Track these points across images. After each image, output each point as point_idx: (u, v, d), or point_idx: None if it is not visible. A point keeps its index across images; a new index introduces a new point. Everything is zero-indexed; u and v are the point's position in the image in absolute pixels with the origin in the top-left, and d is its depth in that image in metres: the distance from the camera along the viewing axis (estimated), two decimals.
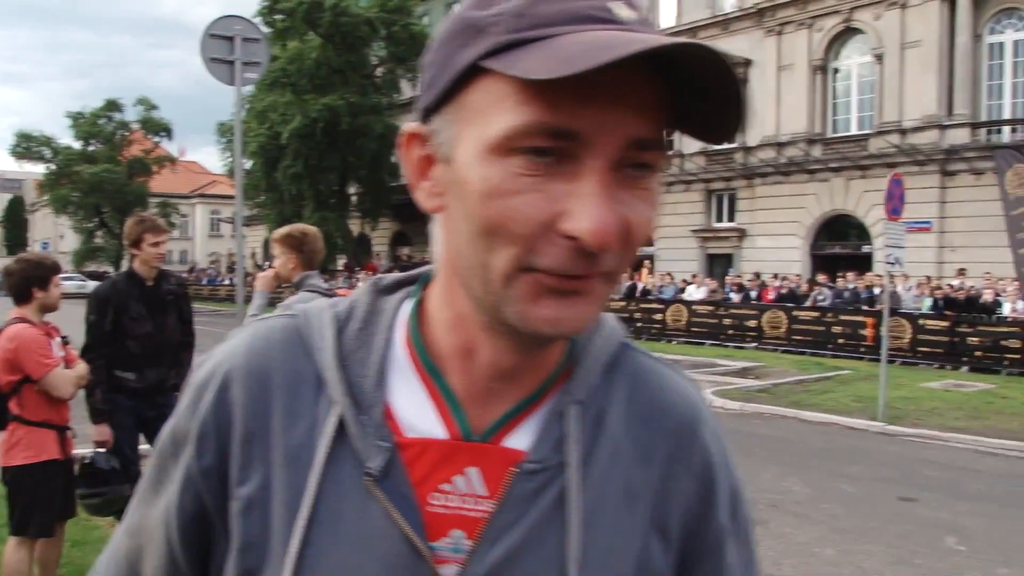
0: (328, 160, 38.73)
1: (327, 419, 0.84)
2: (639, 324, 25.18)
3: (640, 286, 27.02)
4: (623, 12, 0.74)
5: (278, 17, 38.59)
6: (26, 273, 4.53)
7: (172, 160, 61.28)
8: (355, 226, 44.69)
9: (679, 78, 0.73)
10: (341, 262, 41.53)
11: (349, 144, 38.62)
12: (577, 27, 0.71)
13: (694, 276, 27.26)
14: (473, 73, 0.75)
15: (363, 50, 40.28)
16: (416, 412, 0.85)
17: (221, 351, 0.92)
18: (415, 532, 0.81)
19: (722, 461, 0.96)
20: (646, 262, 32.05)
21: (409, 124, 0.83)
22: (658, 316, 24.95)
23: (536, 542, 0.83)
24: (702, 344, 22.98)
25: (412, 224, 45.71)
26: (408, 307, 0.91)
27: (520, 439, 0.86)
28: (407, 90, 45.18)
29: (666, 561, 0.90)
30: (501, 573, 0.82)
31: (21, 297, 4.57)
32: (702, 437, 0.94)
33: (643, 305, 25.62)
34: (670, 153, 32.27)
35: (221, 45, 10.08)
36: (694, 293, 25.02)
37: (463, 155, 0.76)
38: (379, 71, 42.71)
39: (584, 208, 0.71)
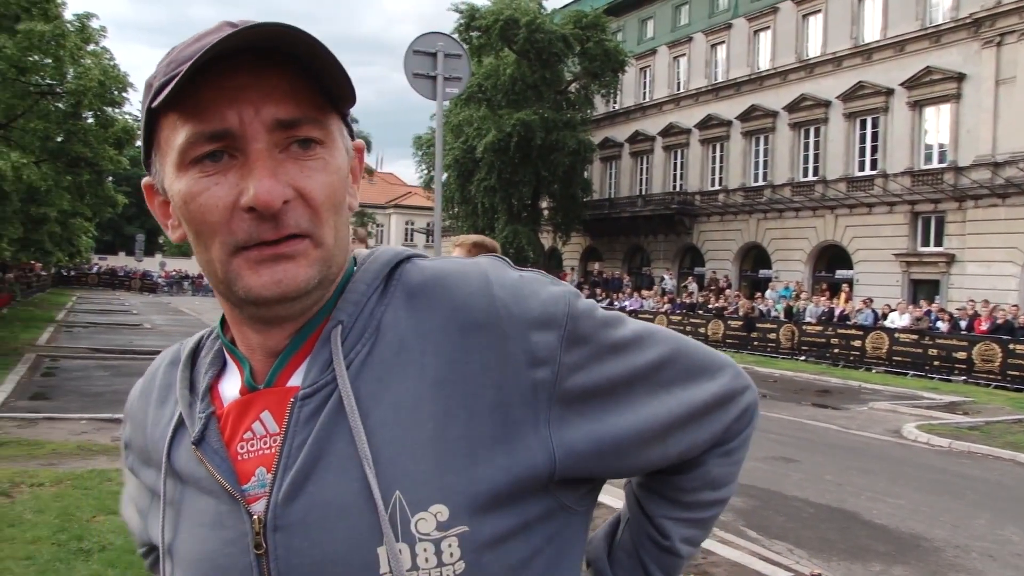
0: (521, 174, 39.31)
1: (177, 412, 1.02)
2: (836, 350, 24.11)
3: (838, 311, 25.85)
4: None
5: (474, 34, 39.52)
6: None
7: (370, 171, 63.94)
8: (546, 240, 45.14)
9: (297, 62, 0.88)
10: None
11: (542, 159, 39.05)
12: (207, 55, 0.85)
13: (899, 303, 25.76)
14: (155, 119, 0.92)
15: (557, 66, 40.64)
16: (231, 388, 1.00)
17: (141, 380, 1.15)
18: (227, 480, 0.94)
19: (533, 314, 0.94)
20: (844, 286, 30.66)
21: (144, 179, 1.00)
22: (856, 343, 23.79)
23: (327, 454, 0.90)
24: (904, 375, 21.73)
25: (603, 240, 45.75)
26: None
27: (299, 376, 0.95)
28: (601, 106, 45.30)
29: (538, 438, 0.92)
30: (301, 491, 0.90)
31: None
32: (493, 301, 0.94)
33: (841, 331, 24.51)
34: (874, 173, 30.76)
35: (424, 61, 10.39)
36: (897, 320, 23.67)
37: (167, 182, 0.93)
38: (573, 87, 43.00)
39: (251, 182, 0.87)
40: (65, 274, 61.60)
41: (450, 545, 0.87)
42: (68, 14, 20.73)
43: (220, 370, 1.03)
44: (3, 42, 16.70)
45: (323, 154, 0.91)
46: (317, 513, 0.89)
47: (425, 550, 0.87)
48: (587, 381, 0.95)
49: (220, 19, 0.93)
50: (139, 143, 0.98)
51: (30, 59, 19.00)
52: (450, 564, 0.88)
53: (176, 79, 0.86)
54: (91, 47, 21.54)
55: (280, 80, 0.88)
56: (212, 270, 0.92)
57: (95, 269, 66.41)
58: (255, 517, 0.91)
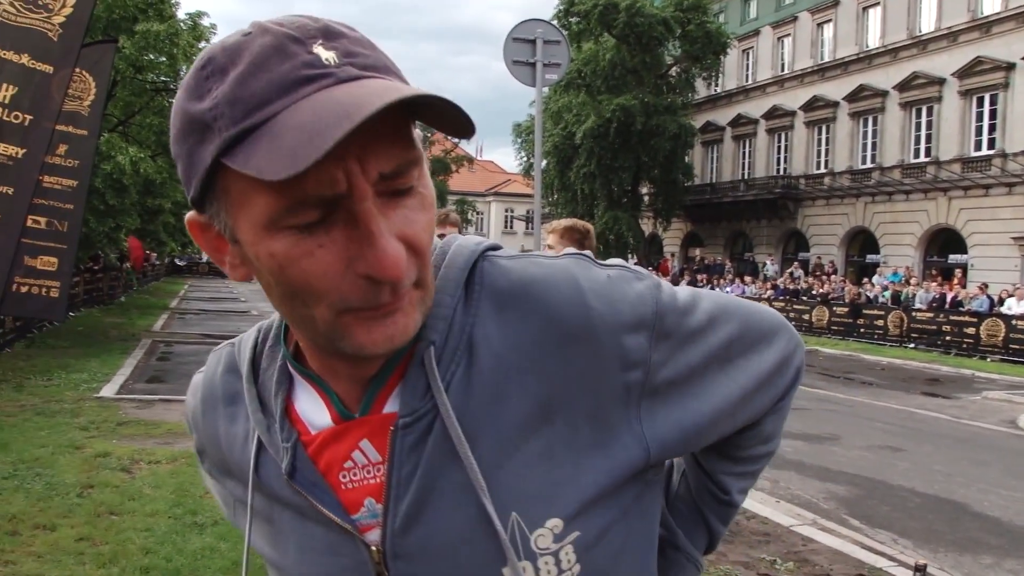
0: (621, 160, 39.06)
1: (254, 434, 0.97)
2: (948, 338, 23.28)
3: (950, 296, 24.92)
4: (325, 54, 0.77)
5: (573, 20, 39.36)
6: None
7: (470, 160, 64.39)
8: (647, 226, 44.80)
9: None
10: (632, 262, 41.74)
11: (643, 144, 38.70)
12: (291, 97, 0.74)
13: (1017, 288, 24.68)
14: (219, 165, 0.77)
15: (657, 50, 40.18)
16: (313, 410, 0.94)
17: (196, 383, 1.10)
18: (335, 513, 0.92)
19: (625, 318, 0.92)
20: (957, 271, 29.52)
21: (189, 215, 0.87)
22: (970, 330, 22.91)
23: (439, 484, 0.88)
24: (1022, 364, 20.81)
25: (704, 225, 45.12)
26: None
27: (396, 401, 0.91)
28: (702, 89, 44.62)
29: (632, 435, 0.92)
30: (417, 521, 0.89)
31: None
32: (588, 311, 0.91)
33: (953, 317, 23.65)
34: (991, 153, 29.54)
35: (523, 48, 10.45)
36: (1015, 307, 22.67)
37: (245, 236, 0.80)
38: (673, 71, 42.46)
39: (369, 250, 0.77)
40: (178, 263, 64.02)
41: (567, 553, 0.90)
42: (181, 13, 21.56)
43: (289, 388, 0.97)
44: (123, 43, 17.44)
45: (420, 189, 0.83)
46: (437, 541, 0.89)
47: (546, 563, 0.89)
48: (672, 373, 0.95)
49: (310, 14, 0.82)
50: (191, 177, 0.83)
51: (146, 58, 19.82)
52: (568, 569, 0.90)
53: (262, 134, 0.74)
54: (202, 44, 22.32)
55: (384, 127, 0.76)
56: (311, 326, 0.84)
57: (205, 259, 68.76)
58: (373, 548, 0.91)
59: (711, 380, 0.98)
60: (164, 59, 20.37)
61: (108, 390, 11.76)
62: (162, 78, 21.49)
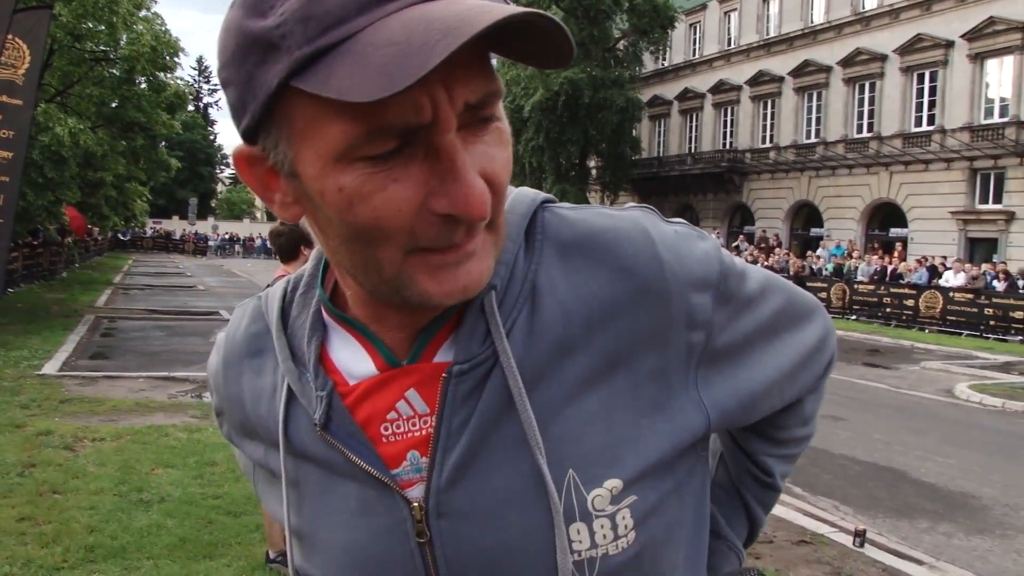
0: (569, 133, 39.13)
1: (283, 385, 0.90)
2: (888, 309, 23.80)
3: (890, 268, 25.46)
4: None
5: None
6: (295, 233, 4.86)
7: None
8: (594, 199, 44.96)
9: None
10: None
11: (590, 117, 38.79)
12: (373, 14, 0.66)
13: (954, 261, 25.28)
14: (285, 89, 0.69)
15: (605, 23, 40.21)
16: (353, 359, 0.87)
17: (220, 341, 1.02)
18: (373, 466, 0.84)
19: (694, 275, 0.87)
20: (898, 244, 30.16)
21: (237, 148, 0.78)
22: (910, 302, 23.45)
23: (493, 437, 0.82)
24: (958, 334, 21.40)
25: (651, 199, 45.39)
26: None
27: (449, 350, 0.85)
28: (649, 63, 44.76)
29: (690, 400, 0.88)
30: (465, 476, 0.83)
31: (290, 255, 4.94)
32: (661, 264, 0.86)
33: (894, 289, 24.18)
34: (931, 129, 30.13)
35: None
36: (952, 279, 23.25)
37: (308, 170, 0.73)
38: (621, 44, 42.53)
39: (453, 186, 0.70)
40: (121, 238, 62.85)
41: (623, 517, 0.85)
42: None
43: (324, 337, 0.90)
44: (59, 9, 16.98)
45: (499, 123, 0.76)
46: (486, 499, 0.83)
47: (602, 526, 0.84)
48: (729, 339, 0.92)
49: None
50: (217, 102, 0.79)
51: (85, 26, 19.30)
52: (624, 536, 0.85)
53: (338, 50, 0.66)
54: (143, 13, 21.80)
55: (471, 54, 0.69)
56: (374, 271, 0.76)
57: (150, 233, 67.65)
58: (415, 504, 0.84)
59: (763, 350, 0.96)
60: (103, 27, 19.85)
61: (50, 367, 11.52)
62: (101, 47, 20.94)
